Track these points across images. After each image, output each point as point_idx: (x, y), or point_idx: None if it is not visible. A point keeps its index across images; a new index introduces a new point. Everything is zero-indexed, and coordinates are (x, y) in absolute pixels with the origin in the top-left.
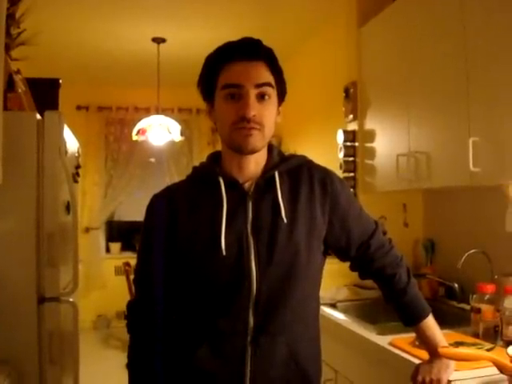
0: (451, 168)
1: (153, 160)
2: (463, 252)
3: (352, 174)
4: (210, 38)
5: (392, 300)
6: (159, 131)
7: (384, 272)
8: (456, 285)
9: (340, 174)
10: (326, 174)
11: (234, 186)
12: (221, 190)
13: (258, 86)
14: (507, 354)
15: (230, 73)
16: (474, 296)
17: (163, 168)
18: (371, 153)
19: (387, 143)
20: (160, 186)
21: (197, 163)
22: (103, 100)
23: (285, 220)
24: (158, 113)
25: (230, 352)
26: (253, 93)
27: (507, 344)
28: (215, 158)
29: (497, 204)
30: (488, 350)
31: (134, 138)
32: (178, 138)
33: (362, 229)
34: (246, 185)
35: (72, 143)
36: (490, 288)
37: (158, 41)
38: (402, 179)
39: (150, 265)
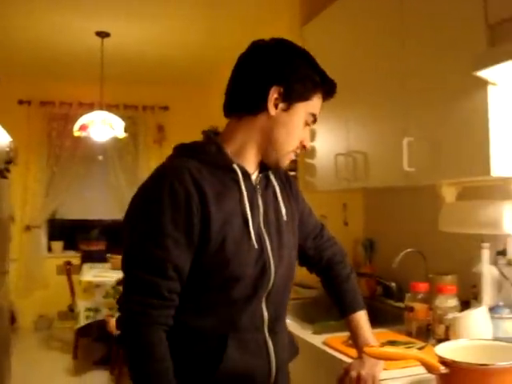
0: (387, 168)
1: (100, 158)
2: (401, 251)
3: (294, 173)
4: (156, 34)
5: (335, 286)
6: (102, 127)
7: (334, 259)
8: (393, 284)
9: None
10: (285, 172)
11: (246, 176)
12: (239, 179)
13: None
14: (435, 353)
15: (319, 106)
16: (408, 295)
17: (107, 165)
18: (311, 152)
19: (327, 143)
20: (104, 184)
21: (142, 161)
22: (46, 95)
23: (285, 217)
24: (101, 109)
25: (255, 347)
26: None
27: (438, 342)
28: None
29: (432, 204)
30: (419, 349)
31: (76, 133)
32: (121, 134)
33: (314, 222)
34: (253, 177)
35: (2, 138)
36: (423, 287)
37: (102, 35)
38: (341, 179)
39: (167, 252)
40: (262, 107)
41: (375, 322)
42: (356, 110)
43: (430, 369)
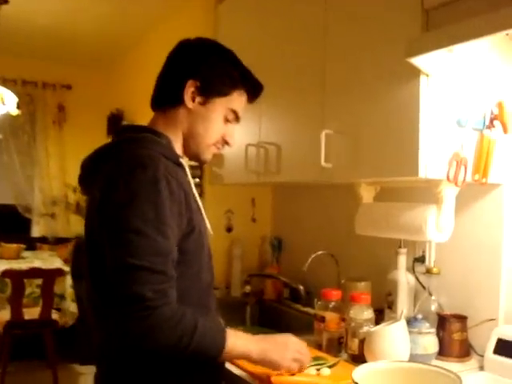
0: (302, 162)
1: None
2: (311, 253)
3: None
4: (62, 6)
5: None
6: None
7: None
8: (301, 287)
9: (186, 161)
10: None
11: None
12: (187, 172)
13: None
14: (352, 379)
15: (241, 104)
16: (319, 303)
17: (0, 145)
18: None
19: (237, 132)
20: None
21: (40, 142)
22: None
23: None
24: None
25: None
26: None
27: (352, 358)
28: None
29: (347, 203)
30: (331, 367)
31: None
32: (14, 111)
33: None
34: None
35: None
36: (335, 295)
37: (0, 1)
38: (251, 172)
39: (169, 240)
40: (180, 100)
41: (282, 328)
42: (270, 96)
43: None
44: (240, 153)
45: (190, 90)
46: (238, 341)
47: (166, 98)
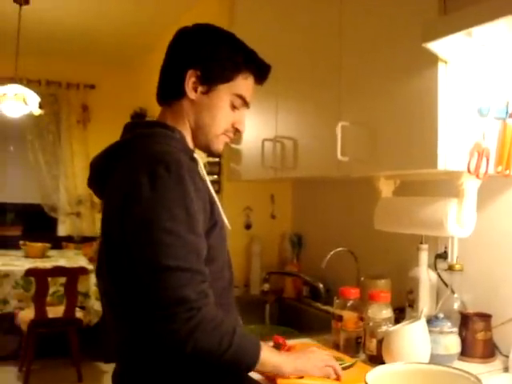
0: (318, 156)
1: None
2: (331, 249)
3: (217, 160)
4: (82, 8)
5: None
6: (14, 102)
7: None
8: (321, 285)
9: (204, 158)
10: None
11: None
12: (201, 167)
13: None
14: (365, 382)
15: (248, 88)
16: (337, 301)
17: (26, 145)
18: (237, 137)
19: (254, 127)
20: (21, 165)
21: (64, 141)
22: None
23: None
24: (16, 82)
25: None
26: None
27: (369, 359)
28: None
29: (367, 198)
30: (347, 368)
31: None
32: (36, 110)
33: None
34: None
35: None
36: (353, 293)
37: (21, 2)
38: (268, 167)
39: (201, 237)
40: (182, 92)
41: (301, 326)
42: (286, 90)
43: None
44: (257, 148)
45: (190, 80)
46: (270, 352)
47: (169, 91)
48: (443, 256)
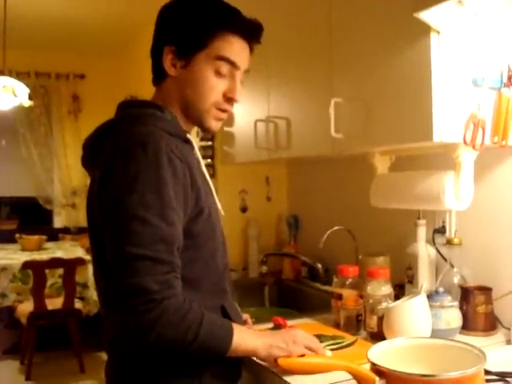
0: (312, 135)
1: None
2: (327, 229)
3: (210, 143)
4: None
5: None
6: (4, 94)
7: None
8: (319, 265)
9: (197, 142)
10: None
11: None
12: (196, 149)
13: (246, 71)
14: (367, 358)
15: (231, 47)
16: (335, 280)
17: (17, 138)
18: (229, 119)
19: (247, 108)
20: (14, 158)
21: (56, 133)
22: None
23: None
24: (4, 75)
25: (238, 313)
26: (240, 76)
27: (371, 336)
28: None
29: (363, 176)
30: (349, 345)
31: None
32: (26, 102)
33: None
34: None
35: None
36: (352, 271)
37: None
38: (261, 148)
39: (173, 228)
40: (164, 71)
41: (301, 307)
42: (278, 69)
43: (363, 382)
44: (249, 130)
45: (167, 57)
46: (245, 336)
47: (155, 72)
48: (441, 231)
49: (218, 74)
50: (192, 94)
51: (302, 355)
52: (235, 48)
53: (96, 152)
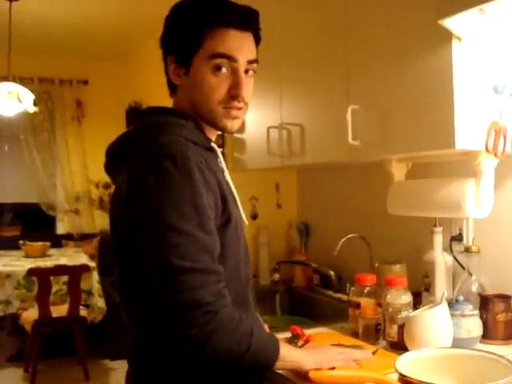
0: (327, 141)
1: (21, 137)
2: (340, 237)
3: (221, 150)
4: (72, 2)
5: None
6: (8, 101)
7: None
8: (332, 272)
9: None
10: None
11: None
12: (220, 157)
13: (250, 62)
14: (396, 369)
15: (223, 41)
16: (352, 288)
17: (21, 144)
18: (241, 125)
19: (258, 115)
20: (17, 164)
21: (59, 139)
22: None
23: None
24: (9, 81)
25: (260, 323)
26: (243, 68)
27: (391, 345)
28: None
29: (377, 183)
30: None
31: None
32: (31, 108)
33: None
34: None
35: None
36: (370, 280)
37: None
38: (274, 155)
39: (212, 234)
40: (172, 83)
41: (313, 315)
42: (291, 75)
43: None
44: (262, 136)
45: (170, 68)
46: (288, 348)
47: (168, 85)
48: (458, 238)
49: (216, 71)
50: (198, 98)
51: (333, 368)
52: (229, 41)
53: (120, 159)
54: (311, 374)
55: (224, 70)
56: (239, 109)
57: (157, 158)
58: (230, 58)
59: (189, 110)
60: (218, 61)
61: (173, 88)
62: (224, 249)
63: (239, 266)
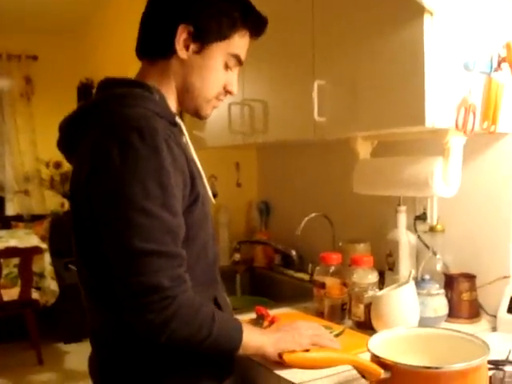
0: (291, 118)
1: None
2: (301, 215)
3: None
4: None
5: None
6: None
7: None
8: (294, 252)
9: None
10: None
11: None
12: (184, 133)
13: None
14: (368, 349)
15: (244, 46)
16: (317, 268)
17: None
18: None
19: None
20: None
21: (8, 117)
22: None
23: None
24: None
25: (228, 304)
26: None
27: (357, 325)
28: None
29: (340, 161)
30: (337, 335)
31: None
32: None
33: None
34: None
35: None
36: (335, 259)
37: None
38: (236, 132)
39: (177, 216)
40: (171, 49)
41: (274, 295)
42: (253, 49)
43: (368, 375)
44: (223, 113)
45: (182, 37)
46: (252, 332)
47: (155, 47)
48: (422, 217)
49: (226, 67)
50: (198, 82)
51: (307, 350)
52: (246, 48)
53: (77, 135)
54: (285, 357)
55: (231, 67)
56: (220, 101)
57: (122, 131)
58: (240, 62)
59: (174, 82)
60: (234, 60)
61: (162, 52)
62: (192, 228)
63: (207, 246)
